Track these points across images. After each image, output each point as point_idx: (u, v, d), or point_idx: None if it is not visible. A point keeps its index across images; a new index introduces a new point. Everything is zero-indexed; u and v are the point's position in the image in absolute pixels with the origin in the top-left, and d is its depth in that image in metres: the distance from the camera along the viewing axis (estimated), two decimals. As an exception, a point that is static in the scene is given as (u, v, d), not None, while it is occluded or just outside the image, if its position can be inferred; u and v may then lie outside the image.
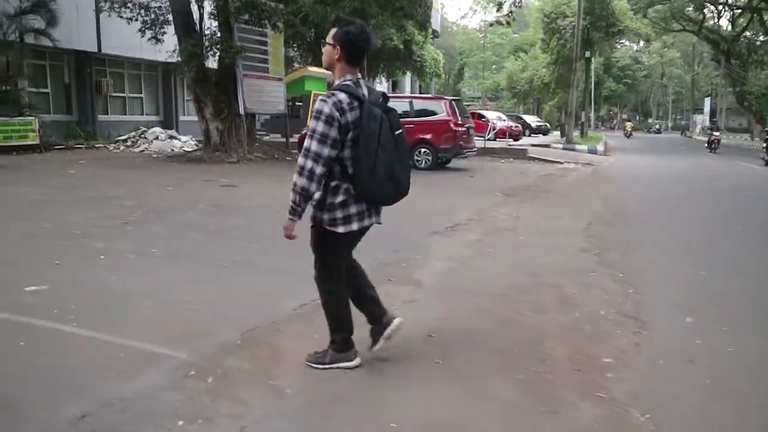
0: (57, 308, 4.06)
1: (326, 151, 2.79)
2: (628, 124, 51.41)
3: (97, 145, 20.11)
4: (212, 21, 16.45)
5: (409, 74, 41.29)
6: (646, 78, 73.68)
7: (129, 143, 19.47)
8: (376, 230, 3.28)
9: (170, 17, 15.73)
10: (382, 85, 42.18)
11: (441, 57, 40.51)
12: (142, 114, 26.80)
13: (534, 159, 19.51)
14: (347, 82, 2.92)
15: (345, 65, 2.95)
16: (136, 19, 15.81)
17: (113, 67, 25.35)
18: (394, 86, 45.13)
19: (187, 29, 15.43)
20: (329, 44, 2.95)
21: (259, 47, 16.42)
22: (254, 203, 8.96)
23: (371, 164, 2.81)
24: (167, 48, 21.31)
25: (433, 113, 14.93)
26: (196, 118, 29.45)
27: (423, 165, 14.75)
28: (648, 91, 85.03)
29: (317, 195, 2.96)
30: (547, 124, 44.78)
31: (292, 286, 4.57)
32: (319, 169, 2.79)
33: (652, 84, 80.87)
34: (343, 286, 3.18)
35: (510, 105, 61.72)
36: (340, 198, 2.94)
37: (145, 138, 19.53)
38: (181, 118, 28.36)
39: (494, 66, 68.94)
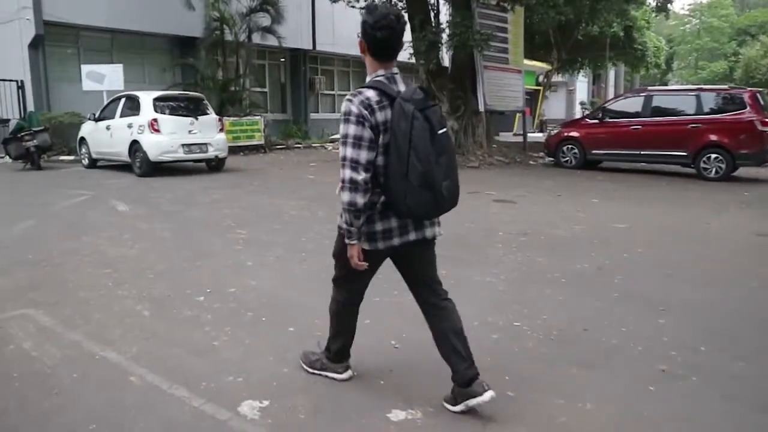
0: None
1: (364, 155, 2.41)
2: None
3: (313, 145, 19.50)
4: (446, 8, 14.71)
5: (613, 67, 36.98)
6: None
7: (347, 143, 18.51)
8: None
9: (403, 5, 14.19)
10: (585, 79, 38.48)
11: (663, 44, 35.80)
12: (349, 112, 26.25)
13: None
14: (378, 78, 2.52)
15: (372, 60, 2.54)
16: (369, 10, 14.52)
17: (324, 65, 25.02)
18: (595, 80, 41.00)
19: (425, 17, 13.80)
20: (359, 36, 2.57)
21: (499, 35, 14.28)
22: (572, 232, 6.60)
23: (404, 170, 2.36)
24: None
25: (730, 109, 11.73)
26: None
27: (712, 174, 11.63)
28: None
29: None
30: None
31: None
32: (361, 177, 2.40)
33: None
34: (358, 303, 2.88)
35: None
36: (374, 208, 2.50)
37: (363, 138, 18.44)
38: (387, 116, 27.45)
39: (705, 51, 60.79)
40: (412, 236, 2.58)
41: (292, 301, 4.21)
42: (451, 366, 2.64)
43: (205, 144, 11.57)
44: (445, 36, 13.25)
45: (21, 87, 15.90)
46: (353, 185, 2.40)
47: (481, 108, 13.84)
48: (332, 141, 19.38)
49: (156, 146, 11.15)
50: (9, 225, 6.84)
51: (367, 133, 2.39)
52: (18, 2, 15.80)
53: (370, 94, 2.44)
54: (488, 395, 2.54)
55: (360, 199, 2.41)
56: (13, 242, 6.09)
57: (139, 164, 11.40)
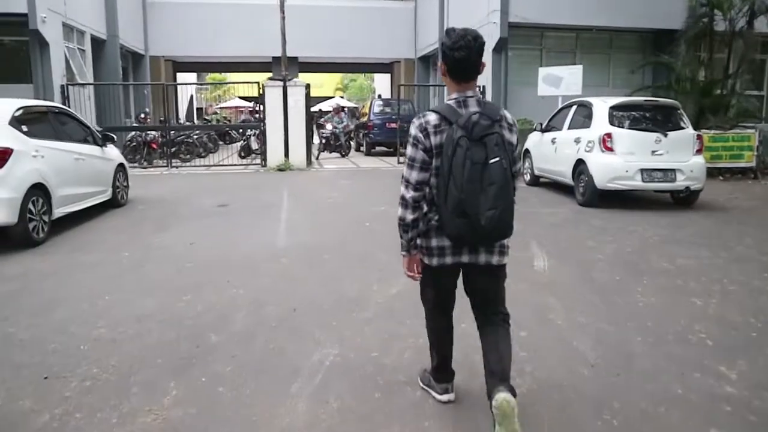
0: None
1: (414, 175, 2.54)
2: None
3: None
4: None
5: None
6: None
7: None
8: None
9: None
10: None
11: None
12: None
13: None
14: (449, 102, 2.57)
15: (450, 81, 2.60)
16: None
17: None
18: None
19: None
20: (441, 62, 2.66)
21: None
22: None
23: (444, 196, 2.45)
24: None
25: None
26: None
27: None
28: None
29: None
30: None
31: None
32: (409, 194, 2.55)
33: None
34: (443, 324, 2.89)
35: None
36: (430, 224, 2.59)
37: None
38: None
39: None
40: (465, 258, 2.60)
41: None
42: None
43: (673, 170, 8.51)
44: None
45: (482, 92, 15.55)
46: (403, 201, 2.56)
47: None
48: None
49: (605, 169, 8.67)
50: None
51: (420, 155, 2.49)
52: (488, 6, 15.41)
53: (431, 117, 2.51)
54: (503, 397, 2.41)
55: (409, 215, 2.56)
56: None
57: (582, 190, 9.11)
